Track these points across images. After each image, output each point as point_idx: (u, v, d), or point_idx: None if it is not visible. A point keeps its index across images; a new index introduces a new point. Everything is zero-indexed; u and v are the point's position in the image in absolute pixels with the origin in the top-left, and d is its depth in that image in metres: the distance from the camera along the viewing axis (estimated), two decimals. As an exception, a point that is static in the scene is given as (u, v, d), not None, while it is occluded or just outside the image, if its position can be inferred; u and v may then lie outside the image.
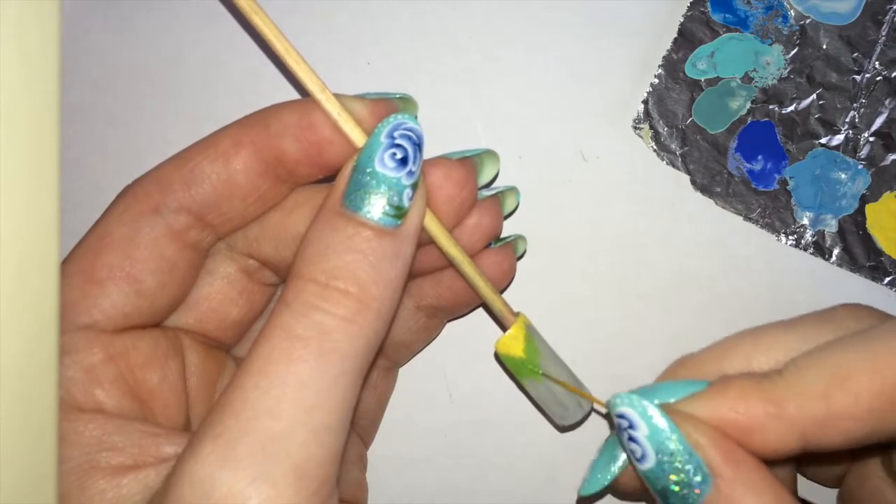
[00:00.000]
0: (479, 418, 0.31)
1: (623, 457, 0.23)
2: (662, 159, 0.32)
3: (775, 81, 0.32)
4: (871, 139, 0.31)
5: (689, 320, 0.31)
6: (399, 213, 0.23)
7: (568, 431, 0.31)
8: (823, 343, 0.22)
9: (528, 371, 0.27)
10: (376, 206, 0.22)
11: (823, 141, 0.31)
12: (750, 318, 0.31)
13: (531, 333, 0.27)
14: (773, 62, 0.32)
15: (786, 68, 0.32)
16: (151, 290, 0.24)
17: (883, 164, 0.31)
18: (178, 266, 0.24)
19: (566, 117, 0.32)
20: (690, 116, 0.32)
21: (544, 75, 0.32)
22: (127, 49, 0.33)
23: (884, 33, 0.31)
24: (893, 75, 0.31)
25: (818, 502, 0.28)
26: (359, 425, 0.30)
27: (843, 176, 0.31)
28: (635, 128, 0.32)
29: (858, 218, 0.31)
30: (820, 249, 0.31)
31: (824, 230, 0.31)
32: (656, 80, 0.32)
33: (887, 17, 0.31)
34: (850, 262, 0.31)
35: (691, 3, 0.32)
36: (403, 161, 0.23)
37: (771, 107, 0.32)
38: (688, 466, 0.21)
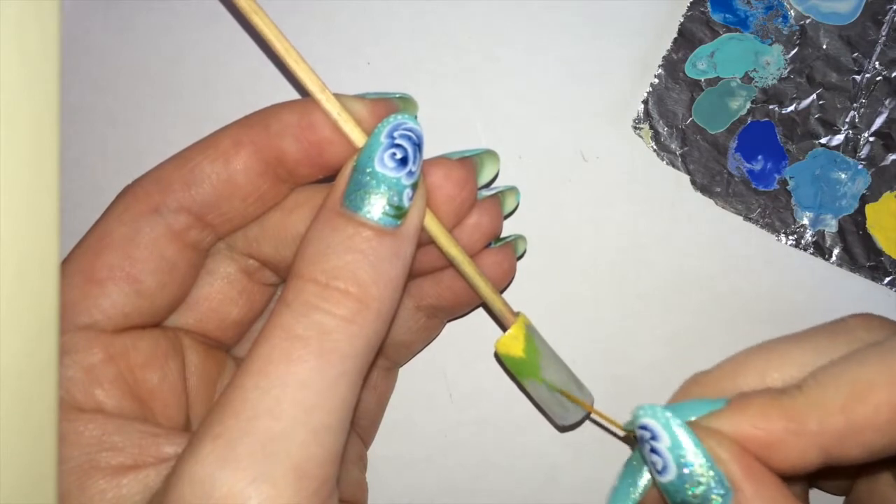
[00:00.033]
0: (479, 418, 0.31)
1: (642, 483, 0.23)
2: (662, 159, 0.32)
3: (775, 81, 0.32)
4: (871, 139, 0.31)
5: (689, 320, 0.31)
6: (399, 213, 0.23)
7: (568, 431, 0.31)
8: (838, 357, 0.22)
9: (528, 371, 0.27)
10: (376, 206, 0.22)
11: (823, 141, 0.31)
12: (750, 318, 0.31)
13: (531, 333, 0.27)
14: (773, 62, 0.32)
15: (786, 68, 0.32)
16: (151, 290, 0.24)
17: (883, 164, 0.31)
18: (178, 266, 0.24)
19: (566, 117, 0.32)
20: (690, 116, 0.32)
21: (544, 75, 0.32)
22: (127, 49, 0.33)
23: (884, 33, 0.31)
24: (893, 75, 0.31)
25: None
26: (359, 425, 0.30)
27: (843, 176, 0.31)
28: (635, 128, 0.32)
29: (858, 218, 0.31)
30: (820, 249, 0.31)
31: (824, 230, 0.31)
32: (656, 80, 0.32)
33: (887, 17, 0.31)
34: (850, 262, 0.31)
35: (691, 3, 0.32)
36: (403, 161, 0.23)
37: (771, 107, 0.32)
38: (709, 480, 0.21)
